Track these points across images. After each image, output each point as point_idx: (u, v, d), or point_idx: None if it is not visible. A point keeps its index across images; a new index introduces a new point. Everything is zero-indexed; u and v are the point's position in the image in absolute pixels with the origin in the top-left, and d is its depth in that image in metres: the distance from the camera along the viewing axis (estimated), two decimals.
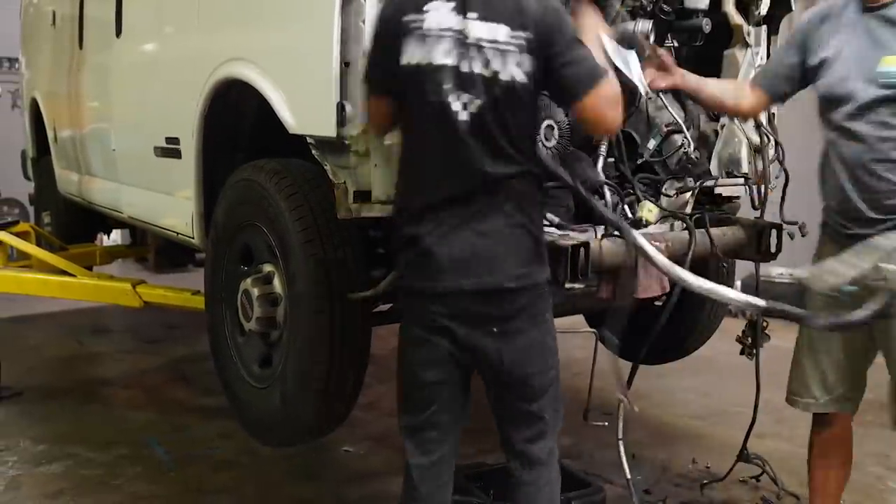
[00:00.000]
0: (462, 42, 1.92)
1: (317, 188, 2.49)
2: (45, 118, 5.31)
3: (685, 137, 2.86)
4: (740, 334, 3.15)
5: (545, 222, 2.41)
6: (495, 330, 2.00)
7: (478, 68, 1.92)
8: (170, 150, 3.25)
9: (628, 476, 2.90)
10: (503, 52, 1.92)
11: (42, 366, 5.04)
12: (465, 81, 1.92)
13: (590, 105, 1.98)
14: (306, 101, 2.41)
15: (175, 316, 5.13)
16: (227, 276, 2.88)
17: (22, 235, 4.59)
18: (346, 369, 2.52)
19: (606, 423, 3.10)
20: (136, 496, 3.27)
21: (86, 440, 3.79)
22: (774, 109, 3.13)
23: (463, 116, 1.92)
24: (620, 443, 2.88)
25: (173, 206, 3.36)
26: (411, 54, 1.94)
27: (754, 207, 2.94)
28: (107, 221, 5.20)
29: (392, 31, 1.97)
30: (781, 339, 3.01)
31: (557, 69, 1.96)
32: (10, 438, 3.83)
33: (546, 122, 2.65)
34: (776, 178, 2.98)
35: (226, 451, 3.68)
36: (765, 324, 3.09)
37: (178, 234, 3.39)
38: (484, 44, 1.92)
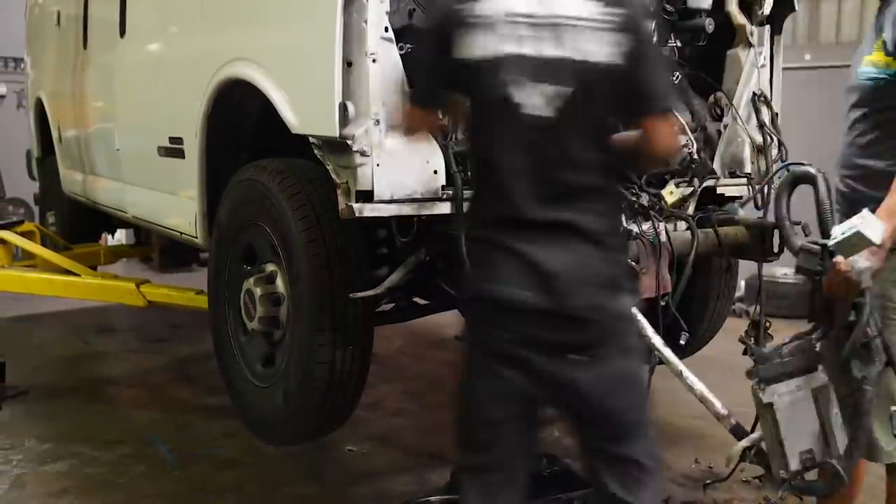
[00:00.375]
0: (538, 24, 1.66)
1: (319, 188, 2.50)
2: (50, 118, 5.33)
3: (689, 138, 2.86)
4: (743, 334, 3.15)
5: None
6: (576, 357, 1.73)
7: (560, 51, 1.66)
8: (173, 149, 3.27)
9: None
10: (595, 29, 1.66)
11: (47, 365, 5.05)
12: (541, 70, 1.66)
13: (659, 123, 1.75)
14: (308, 101, 2.41)
15: (179, 315, 5.13)
16: (230, 276, 2.89)
17: (27, 235, 4.60)
18: (349, 369, 2.53)
19: None
20: (139, 495, 3.28)
21: (90, 439, 3.80)
22: (777, 109, 3.14)
23: (540, 112, 1.67)
24: None
25: (177, 206, 3.37)
26: (473, 47, 1.69)
27: (757, 207, 2.94)
28: (111, 221, 5.21)
29: (447, 26, 1.73)
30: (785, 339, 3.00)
31: (638, 70, 1.70)
32: (15, 437, 3.83)
33: None
34: (779, 178, 2.98)
35: (229, 451, 3.68)
36: (768, 323, 3.08)
37: (181, 233, 3.40)
38: (570, 21, 1.66)
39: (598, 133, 1.73)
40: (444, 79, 1.80)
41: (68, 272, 4.30)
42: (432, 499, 2.97)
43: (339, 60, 2.26)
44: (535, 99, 1.66)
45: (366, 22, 2.25)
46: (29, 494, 3.28)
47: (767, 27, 3.12)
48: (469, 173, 2.30)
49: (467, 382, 1.85)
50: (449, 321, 3.04)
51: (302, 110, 2.44)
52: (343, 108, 2.26)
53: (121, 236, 7.12)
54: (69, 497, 3.25)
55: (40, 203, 6.35)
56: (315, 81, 2.35)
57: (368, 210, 2.28)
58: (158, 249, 7.12)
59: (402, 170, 2.31)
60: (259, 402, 2.77)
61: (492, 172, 1.76)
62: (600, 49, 1.66)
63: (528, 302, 1.69)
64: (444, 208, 2.38)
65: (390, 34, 2.29)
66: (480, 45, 1.68)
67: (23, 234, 4.53)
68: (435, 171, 2.35)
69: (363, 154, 2.26)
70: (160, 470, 3.50)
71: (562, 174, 1.70)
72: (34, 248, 4.51)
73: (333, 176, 2.34)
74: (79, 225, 5.47)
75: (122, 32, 3.84)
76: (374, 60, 2.27)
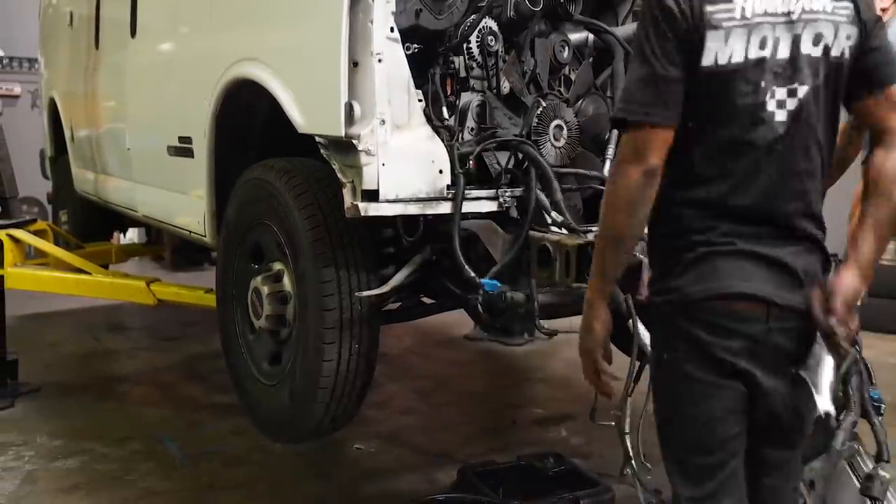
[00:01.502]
0: (790, 24, 1.58)
1: (326, 187, 2.52)
2: (63, 118, 5.37)
3: None
4: None
5: (549, 222, 2.43)
6: (794, 371, 1.63)
7: (806, 48, 1.58)
8: (183, 149, 3.29)
9: (634, 469, 2.89)
10: (835, 22, 1.59)
11: (59, 362, 5.09)
12: (786, 70, 1.58)
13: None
14: (315, 101, 2.43)
15: (190, 314, 5.16)
16: (237, 274, 2.91)
17: (39, 234, 4.63)
18: (355, 367, 2.54)
19: (614, 423, 3.09)
20: (149, 491, 3.30)
21: (101, 436, 3.83)
22: None
23: (780, 117, 1.59)
24: (627, 437, 2.87)
25: (186, 205, 3.40)
26: (721, 52, 1.56)
27: None
28: (123, 220, 5.25)
29: (689, 29, 1.56)
30: None
31: (869, 51, 1.64)
32: (27, 433, 3.87)
33: (555, 122, 2.66)
34: None
35: (238, 448, 3.70)
36: None
37: (190, 232, 3.43)
38: (815, 16, 1.58)
39: (833, 126, 1.67)
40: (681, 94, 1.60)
41: (80, 270, 4.33)
42: (439, 497, 2.98)
43: (344, 60, 2.27)
44: (773, 103, 1.59)
45: (371, 22, 2.26)
46: (40, 490, 3.31)
47: None
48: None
49: (681, 399, 1.68)
50: (457, 320, 3.06)
51: (308, 110, 2.46)
52: (349, 108, 2.27)
53: (133, 235, 7.17)
54: (80, 493, 3.28)
55: (53, 202, 6.40)
56: (321, 81, 2.37)
57: (373, 209, 2.29)
58: (171, 249, 7.17)
59: (407, 169, 2.32)
60: (266, 400, 2.79)
61: (717, 186, 1.63)
62: (837, 43, 1.61)
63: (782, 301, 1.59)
64: (449, 208, 2.39)
65: (396, 34, 2.30)
66: (733, 50, 1.57)
67: (35, 233, 4.56)
68: (440, 171, 2.36)
69: (368, 153, 2.28)
70: (169, 467, 3.53)
71: (797, 175, 1.63)
72: (46, 246, 4.54)
73: (339, 175, 2.35)
74: (91, 224, 5.51)
75: (133, 32, 3.87)
76: (379, 60, 2.28)
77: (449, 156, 2.37)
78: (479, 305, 2.35)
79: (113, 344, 5.61)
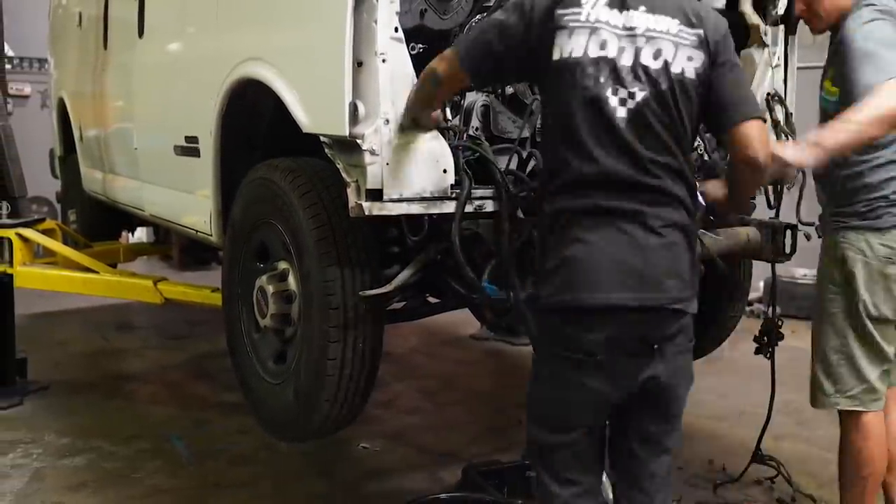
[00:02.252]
0: (625, 35, 1.88)
1: (330, 187, 2.51)
2: (72, 117, 5.40)
3: (701, 139, 2.85)
4: (757, 334, 3.15)
5: None
6: (656, 347, 1.90)
7: (645, 59, 1.87)
8: (189, 148, 3.30)
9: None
10: (676, 43, 1.88)
11: (68, 361, 5.13)
12: (626, 74, 1.86)
13: (745, 132, 1.93)
14: (319, 101, 2.43)
15: (198, 313, 5.19)
16: (243, 274, 2.92)
17: (48, 233, 4.66)
18: (358, 366, 2.54)
19: None
20: (155, 489, 3.33)
21: (109, 434, 3.86)
22: (792, 108, 3.12)
23: (621, 113, 1.86)
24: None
25: (193, 205, 3.41)
26: (566, 47, 1.88)
27: (769, 207, 2.93)
28: (131, 219, 5.27)
29: (544, 25, 1.91)
30: (803, 340, 2.98)
31: (721, 85, 1.93)
32: (35, 431, 3.90)
33: None
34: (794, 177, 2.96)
35: (244, 447, 3.73)
36: (780, 322, 3.08)
37: (197, 232, 3.44)
38: (654, 34, 1.88)
39: (672, 131, 1.91)
40: (508, 69, 2.08)
41: (88, 269, 4.36)
42: (442, 496, 2.99)
43: (349, 60, 2.26)
44: (615, 100, 1.87)
45: (375, 22, 2.25)
46: (48, 487, 3.34)
47: (782, 27, 3.11)
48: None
49: (546, 385, 2.07)
50: (464, 320, 3.06)
51: (313, 109, 2.46)
52: (353, 108, 2.26)
53: (141, 234, 7.20)
54: (87, 491, 3.30)
55: (62, 201, 6.44)
56: (325, 81, 2.37)
57: (377, 209, 2.28)
58: (179, 248, 7.20)
59: (411, 169, 2.31)
60: (270, 398, 2.79)
61: (565, 164, 1.93)
62: (676, 61, 1.89)
63: (611, 301, 1.86)
64: (453, 207, 2.39)
65: (400, 34, 2.30)
66: (574, 47, 1.89)
67: (44, 232, 4.59)
68: (444, 171, 2.35)
69: (372, 153, 2.27)
70: (176, 465, 3.55)
71: (638, 166, 1.88)
72: (54, 245, 4.57)
73: (343, 175, 2.35)
74: (99, 223, 5.53)
75: (141, 32, 3.89)
76: (383, 60, 2.27)
77: (453, 156, 2.37)
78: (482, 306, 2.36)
79: (121, 343, 5.65)
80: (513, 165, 2.55)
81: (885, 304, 2.56)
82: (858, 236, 2.54)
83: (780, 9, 3.05)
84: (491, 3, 2.65)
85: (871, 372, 2.60)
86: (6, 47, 8.47)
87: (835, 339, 2.62)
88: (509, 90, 2.74)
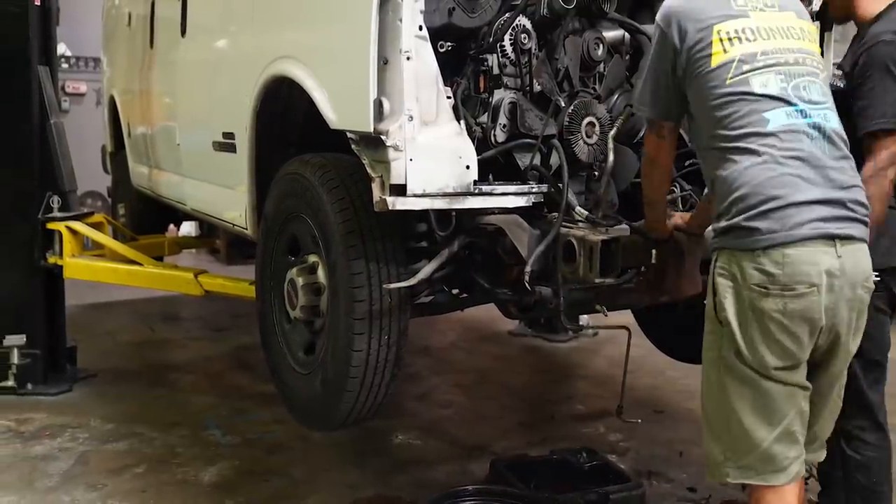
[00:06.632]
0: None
1: (358, 182, 2.57)
2: (121, 114, 5.56)
3: None
4: None
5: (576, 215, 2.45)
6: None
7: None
8: (226, 144, 3.39)
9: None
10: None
11: (115, 350, 5.30)
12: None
13: None
14: (346, 98, 2.48)
15: (241, 305, 5.31)
16: (275, 266, 2.99)
17: (96, 226, 4.82)
18: (384, 358, 2.60)
19: (640, 420, 3.09)
20: (191, 475, 3.43)
21: (151, 421, 3.99)
22: None
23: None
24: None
25: (230, 199, 3.50)
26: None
27: None
28: (178, 213, 5.42)
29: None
30: None
31: None
32: (82, 417, 4.05)
33: (587, 120, 2.67)
34: None
35: (280, 436, 3.82)
36: None
37: (234, 225, 3.53)
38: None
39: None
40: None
41: (133, 262, 4.50)
42: (469, 488, 3.02)
43: (374, 58, 2.31)
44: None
45: (400, 20, 2.29)
46: (91, 470, 3.47)
47: (817, 23, 3.06)
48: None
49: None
50: (502, 317, 3.09)
51: (340, 106, 2.51)
52: (378, 104, 2.31)
53: (189, 229, 7.38)
54: (127, 475, 3.42)
55: (112, 196, 6.64)
56: (352, 78, 2.42)
57: (401, 203, 2.32)
58: (225, 242, 7.35)
59: (434, 165, 2.35)
60: (300, 388, 2.86)
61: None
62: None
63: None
64: (476, 203, 2.42)
65: (424, 32, 2.34)
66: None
67: (92, 226, 4.74)
68: (467, 167, 2.39)
69: (397, 149, 2.31)
70: (213, 452, 3.65)
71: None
72: (101, 238, 4.72)
73: (369, 170, 2.39)
74: (147, 217, 5.70)
75: (183, 32, 4.00)
76: (408, 58, 2.31)
77: (477, 153, 2.40)
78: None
79: (167, 333, 5.81)
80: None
81: (764, 347, 1.99)
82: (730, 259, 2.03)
83: (816, 5, 3.00)
84: (518, 2, 2.67)
85: (764, 434, 2.04)
86: (63, 47, 8.73)
87: (717, 391, 2.11)
88: (536, 87, 2.75)
